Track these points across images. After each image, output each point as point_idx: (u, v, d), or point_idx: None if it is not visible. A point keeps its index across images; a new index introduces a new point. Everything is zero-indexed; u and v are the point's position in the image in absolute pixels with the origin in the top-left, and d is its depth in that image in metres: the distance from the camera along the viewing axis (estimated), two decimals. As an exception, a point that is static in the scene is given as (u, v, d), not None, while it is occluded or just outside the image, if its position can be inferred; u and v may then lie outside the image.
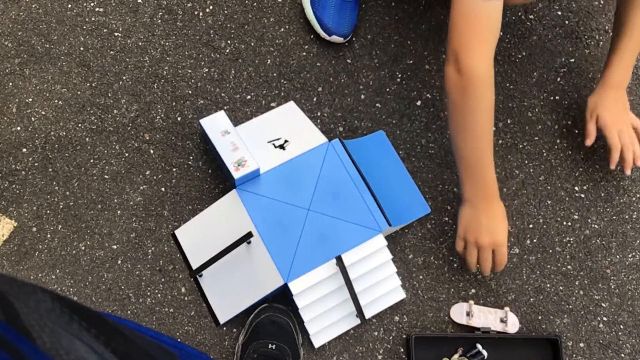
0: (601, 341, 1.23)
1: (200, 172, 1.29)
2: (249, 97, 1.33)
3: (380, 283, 1.18)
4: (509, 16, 1.40)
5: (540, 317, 1.24)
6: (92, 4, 1.37)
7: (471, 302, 1.22)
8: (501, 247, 1.13)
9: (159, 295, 1.22)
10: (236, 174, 1.13)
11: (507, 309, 1.20)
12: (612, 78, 1.23)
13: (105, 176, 1.28)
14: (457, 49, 1.04)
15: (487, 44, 1.04)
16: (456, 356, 1.19)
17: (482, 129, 1.08)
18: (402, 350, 1.21)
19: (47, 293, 0.41)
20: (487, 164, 1.10)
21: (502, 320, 1.20)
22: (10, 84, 1.32)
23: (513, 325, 1.20)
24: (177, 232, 1.25)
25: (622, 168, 1.26)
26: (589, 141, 1.26)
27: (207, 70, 1.35)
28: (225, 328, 1.21)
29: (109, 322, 0.42)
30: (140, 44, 1.36)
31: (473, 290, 1.25)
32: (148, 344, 0.45)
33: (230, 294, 1.18)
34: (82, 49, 1.35)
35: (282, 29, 1.37)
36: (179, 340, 1.20)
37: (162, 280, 1.23)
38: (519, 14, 1.40)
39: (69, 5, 1.37)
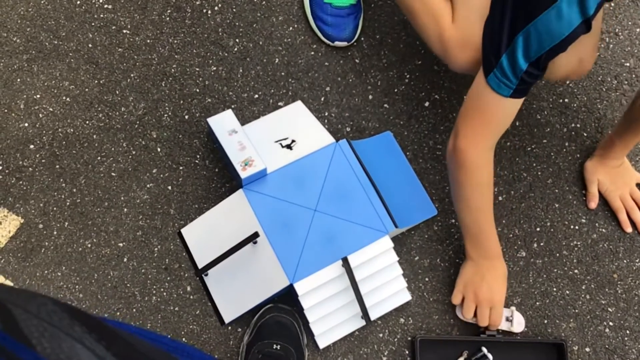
0: (607, 346, 1.22)
1: (206, 171, 1.29)
2: (256, 96, 1.33)
3: (386, 285, 1.18)
4: (519, 17, 1.39)
5: (546, 321, 1.23)
6: (100, 1, 1.37)
7: None
8: (498, 306, 1.15)
9: (165, 293, 1.23)
10: (243, 174, 1.13)
11: (512, 308, 1.20)
12: (612, 154, 1.26)
13: (112, 174, 1.28)
14: (458, 129, 1.06)
15: (489, 136, 1.05)
16: (461, 359, 1.19)
17: (477, 202, 1.11)
18: (407, 352, 1.21)
19: (48, 298, 0.41)
20: (488, 231, 1.13)
21: (507, 319, 1.19)
22: (19, 80, 1.33)
23: (519, 324, 1.19)
24: (183, 230, 1.25)
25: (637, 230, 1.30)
26: (593, 204, 1.29)
27: (215, 68, 1.34)
28: (230, 327, 1.21)
29: (109, 326, 0.42)
30: (148, 41, 1.36)
31: (479, 293, 1.24)
32: (149, 348, 0.45)
33: (236, 293, 1.18)
34: (90, 45, 1.35)
35: (291, 28, 1.37)
36: (183, 339, 1.21)
37: (168, 278, 1.23)
38: (529, 15, 1.39)
39: (78, 2, 1.37)
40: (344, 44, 1.33)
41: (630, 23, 1.40)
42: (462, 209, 1.12)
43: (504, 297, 1.15)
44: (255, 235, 1.12)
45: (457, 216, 1.15)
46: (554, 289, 1.25)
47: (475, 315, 1.16)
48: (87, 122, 1.31)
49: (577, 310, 1.24)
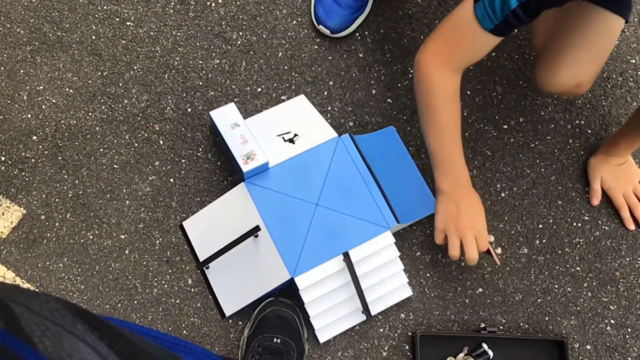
0: (608, 344, 1.22)
1: (209, 164, 1.29)
2: (259, 89, 1.33)
3: (387, 280, 1.18)
4: (524, 13, 1.39)
5: (547, 318, 1.23)
6: (104, -7, 1.37)
7: None
8: (482, 231, 1.09)
9: (166, 286, 1.23)
10: (245, 167, 1.12)
11: (491, 237, 1.15)
12: (616, 153, 1.26)
13: (115, 166, 1.28)
14: (428, 43, 1.04)
15: (455, 59, 1.03)
16: (461, 355, 1.19)
17: (441, 122, 1.06)
18: (407, 347, 1.21)
19: (50, 296, 0.41)
20: (456, 157, 1.09)
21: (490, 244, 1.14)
22: (22, 71, 1.33)
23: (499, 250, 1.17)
24: (184, 223, 1.25)
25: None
26: (596, 201, 1.29)
27: (218, 61, 1.34)
28: (230, 321, 1.21)
29: (111, 324, 0.42)
30: (152, 33, 1.35)
31: (480, 290, 1.24)
32: (151, 347, 0.45)
33: (237, 287, 1.18)
34: (93, 37, 1.35)
35: (294, 22, 1.36)
36: (184, 332, 1.21)
37: (169, 271, 1.23)
38: (535, 11, 1.38)
39: (82, -7, 1.37)
40: (327, 32, 1.32)
41: (636, 20, 1.40)
42: (428, 133, 1.08)
43: (484, 221, 1.10)
44: (257, 228, 1.12)
45: (426, 148, 1.11)
46: (556, 286, 1.25)
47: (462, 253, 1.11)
48: (90, 114, 1.31)
49: (578, 308, 1.24)
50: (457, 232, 1.09)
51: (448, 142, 1.08)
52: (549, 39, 1.13)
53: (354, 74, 1.34)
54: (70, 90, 1.32)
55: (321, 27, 1.32)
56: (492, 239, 1.14)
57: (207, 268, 1.21)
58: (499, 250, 1.16)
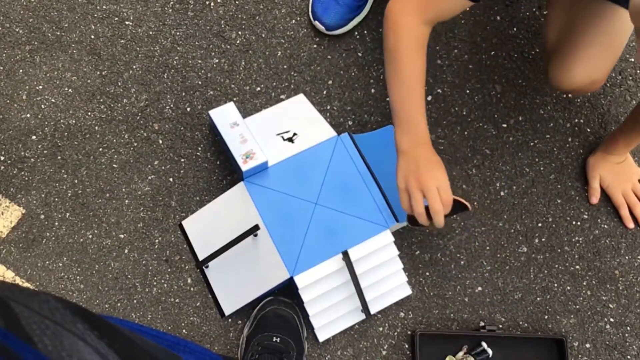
0: (607, 342, 1.23)
1: (208, 163, 1.29)
2: (258, 89, 1.33)
3: (387, 279, 1.18)
4: (522, 12, 1.39)
5: (546, 317, 1.23)
6: (103, -8, 1.37)
7: None
8: (443, 183, 1.04)
9: (165, 285, 1.23)
10: (244, 167, 1.13)
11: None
12: (615, 151, 1.27)
13: (114, 165, 1.28)
14: None
15: (426, 12, 1.03)
16: (461, 354, 1.19)
17: (406, 74, 1.04)
18: (407, 346, 1.21)
19: (50, 295, 0.41)
20: (417, 114, 1.05)
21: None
22: (21, 70, 1.33)
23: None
24: (184, 222, 1.25)
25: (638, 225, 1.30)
26: (595, 199, 1.30)
27: (217, 61, 1.34)
28: (230, 320, 1.21)
29: (111, 324, 0.42)
30: (150, 33, 1.35)
31: (479, 288, 1.24)
32: (151, 346, 0.45)
33: (236, 286, 1.18)
34: (92, 37, 1.35)
35: (294, 21, 1.37)
36: (183, 331, 1.21)
37: (169, 270, 1.23)
38: (533, 9, 1.39)
39: (81, -7, 1.37)
40: (322, 28, 1.32)
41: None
42: (391, 82, 1.06)
43: (445, 175, 1.04)
44: (256, 228, 1.12)
45: (390, 103, 1.07)
46: (555, 285, 1.25)
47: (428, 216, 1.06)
48: (89, 113, 1.31)
49: (577, 306, 1.24)
50: (418, 185, 1.03)
51: (410, 95, 1.04)
52: (562, 37, 1.13)
53: (353, 73, 1.34)
54: (70, 90, 1.32)
55: (316, 23, 1.32)
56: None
57: (207, 267, 1.21)
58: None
